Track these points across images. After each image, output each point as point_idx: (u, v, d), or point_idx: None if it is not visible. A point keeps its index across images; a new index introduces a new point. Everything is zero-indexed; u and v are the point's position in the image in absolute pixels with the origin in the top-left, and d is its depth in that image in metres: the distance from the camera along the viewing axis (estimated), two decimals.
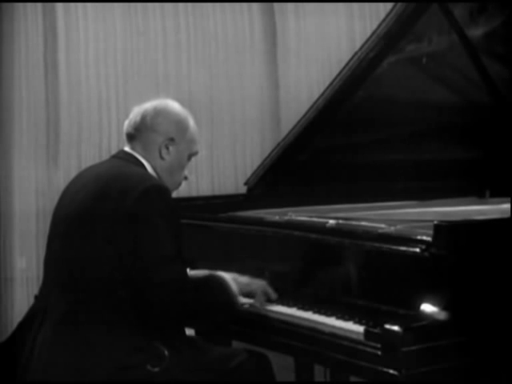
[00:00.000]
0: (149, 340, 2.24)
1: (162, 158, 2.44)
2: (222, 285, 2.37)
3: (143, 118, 2.44)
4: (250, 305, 2.48)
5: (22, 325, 2.44)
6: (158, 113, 2.45)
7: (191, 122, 2.51)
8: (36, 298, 2.52)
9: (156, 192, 2.28)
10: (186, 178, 2.53)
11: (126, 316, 2.23)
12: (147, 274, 2.21)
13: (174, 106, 2.50)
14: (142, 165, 2.42)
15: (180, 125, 2.48)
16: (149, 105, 2.47)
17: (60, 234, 2.36)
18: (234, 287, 2.37)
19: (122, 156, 2.45)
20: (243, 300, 2.46)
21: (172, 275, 2.23)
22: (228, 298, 2.37)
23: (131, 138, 2.46)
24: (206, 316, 2.39)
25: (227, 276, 2.39)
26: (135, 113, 2.47)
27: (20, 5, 3.76)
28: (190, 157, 2.52)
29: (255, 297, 2.49)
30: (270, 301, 2.49)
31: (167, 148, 2.44)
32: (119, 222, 2.23)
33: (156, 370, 2.21)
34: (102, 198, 2.28)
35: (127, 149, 2.46)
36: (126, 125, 2.48)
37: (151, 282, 2.21)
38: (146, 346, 2.23)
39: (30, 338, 2.33)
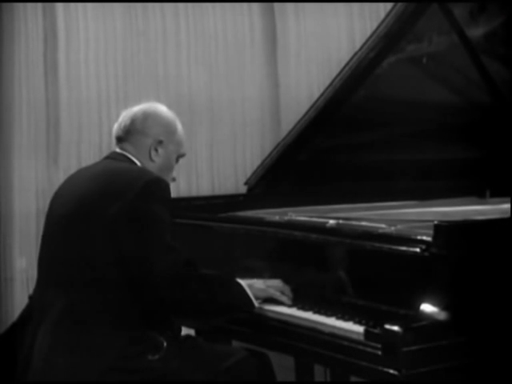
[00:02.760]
0: (145, 330, 2.27)
1: (151, 159, 2.50)
2: (239, 288, 2.39)
3: (133, 121, 2.50)
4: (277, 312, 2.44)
5: (16, 325, 2.45)
6: (148, 116, 2.51)
7: (179, 125, 2.58)
8: (30, 298, 2.53)
9: (157, 185, 2.34)
10: (173, 179, 2.59)
11: (123, 309, 2.26)
12: (152, 264, 2.24)
13: (163, 109, 2.57)
14: (135, 164, 2.48)
15: (169, 127, 2.54)
16: (138, 108, 2.54)
17: (56, 234, 2.38)
18: (250, 293, 2.40)
19: (115, 156, 2.50)
20: (267, 307, 2.45)
21: (171, 264, 2.26)
22: (245, 303, 2.39)
23: (121, 140, 2.52)
24: (217, 309, 2.40)
25: (243, 282, 2.41)
26: (124, 116, 2.53)
27: (20, 5, 3.76)
28: (177, 159, 2.59)
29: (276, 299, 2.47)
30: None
31: (156, 150, 2.50)
32: (121, 218, 2.26)
33: (156, 357, 2.24)
34: (101, 196, 2.32)
35: (119, 150, 2.51)
36: (116, 128, 2.54)
37: (150, 272, 2.24)
38: (143, 337, 2.26)
39: (28, 338, 2.34)
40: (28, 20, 3.78)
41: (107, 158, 2.53)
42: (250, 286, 2.41)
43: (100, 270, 2.25)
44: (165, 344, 2.28)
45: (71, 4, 3.80)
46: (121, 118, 2.54)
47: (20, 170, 3.76)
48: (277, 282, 2.50)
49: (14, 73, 3.76)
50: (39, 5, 3.78)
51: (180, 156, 2.59)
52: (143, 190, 2.29)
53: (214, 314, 2.45)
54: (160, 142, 2.50)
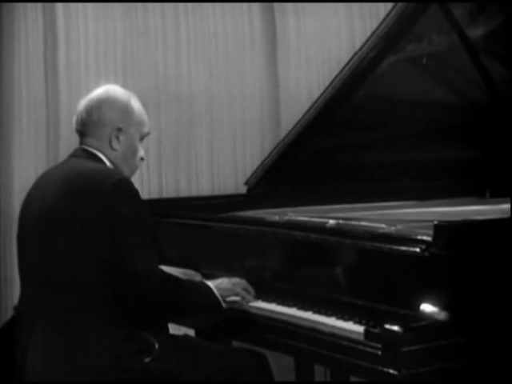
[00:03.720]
0: (136, 331, 2.29)
1: (112, 148, 2.47)
2: (207, 289, 2.44)
3: (88, 113, 2.47)
4: (234, 302, 2.52)
5: (6, 330, 2.47)
6: (101, 105, 2.47)
7: (135, 105, 2.52)
8: (15, 308, 2.54)
9: (122, 186, 2.34)
10: (142, 158, 2.57)
11: (111, 309, 2.27)
12: (124, 264, 2.26)
13: (116, 92, 2.52)
14: (100, 159, 2.46)
15: (124, 111, 2.49)
16: (91, 97, 2.50)
17: (31, 236, 2.40)
18: (217, 294, 2.44)
19: (79, 154, 2.48)
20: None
21: (146, 264, 2.29)
22: (213, 303, 2.43)
23: (82, 134, 2.50)
24: (189, 310, 2.47)
25: (210, 283, 2.46)
26: (80, 108, 2.50)
27: (20, 5, 3.76)
28: (141, 139, 2.55)
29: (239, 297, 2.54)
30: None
31: (117, 138, 2.47)
32: (90, 220, 2.27)
33: (147, 359, 2.25)
34: (70, 197, 2.32)
35: (82, 146, 2.49)
36: (74, 122, 2.52)
37: (127, 272, 2.26)
38: (135, 338, 2.28)
39: (20, 344, 2.34)
40: (28, 20, 3.78)
41: (73, 155, 2.50)
42: (217, 286, 2.46)
43: (79, 270, 2.27)
44: (156, 345, 2.29)
45: (71, 4, 3.80)
46: (77, 109, 2.51)
47: (20, 170, 3.75)
48: (241, 281, 2.55)
49: (13, 73, 3.76)
50: (39, 5, 3.78)
51: (144, 136, 2.55)
52: (109, 192, 2.29)
53: (185, 314, 2.53)
54: (119, 130, 2.46)
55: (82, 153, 2.47)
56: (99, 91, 2.51)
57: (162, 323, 2.46)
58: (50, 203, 2.35)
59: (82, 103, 2.50)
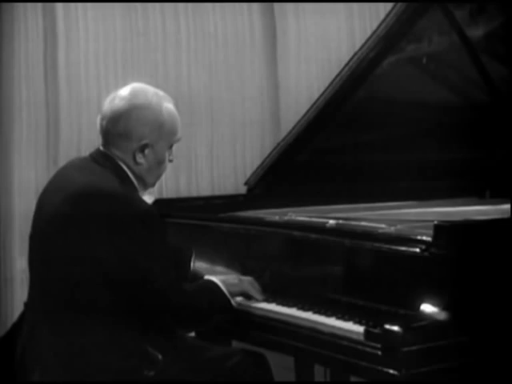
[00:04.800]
0: (140, 344, 2.24)
1: (137, 163, 2.33)
2: (217, 289, 2.40)
3: (114, 122, 2.30)
4: (241, 303, 2.49)
5: (16, 326, 2.45)
6: (129, 115, 2.30)
7: (167, 114, 2.35)
8: (26, 305, 2.51)
9: (142, 218, 2.22)
10: (171, 160, 2.43)
11: (115, 321, 2.22)
12: (146, 273, 2.21)
13: (146, 100, 2.32)
14: (121, 168, 2.33)
15: (154, 124, 2.32)
16: (119, 103, 2.31)
17: (46, 234, 2.30)
18: (226, 291, 2.40)
19: (102, 161, 2.33)
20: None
21: (170, 283, 2.25)
22: (223, 301, 2.40)
23: (105, 139, 2.35)
24: (206, 318, 2.41)
25: (217, 280, 2.42)
26: (107, 112, 2.33)
27: (20, 5, 3.76)
28: (171, 147, 2.42)
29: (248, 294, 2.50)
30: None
31: (142, 152, 2.33)
32: (104, 239, 2.19)
33: (151, 374, 2.22)
34: (75, 206, 2.23)
35: (106, 151, 2.35)
36: (98, 124, 2.36)
37: (153, 292, 2.22)
38: (138, 351, 2.23)
39: (20, 344, 2.34)
40: (28, 20, 3.77)
41: (93, 158, 2.36)
42: (224, 282, 2.41)
43: (88, 282, 2.20)
44: (160, 357, 2.24)
45: (71, 4, 3.80)
46: (103, 111, 2.34)
47: (20, 170, 3.75)
48: (247, 278, 2.52)
49: (13, 73, 3.76)
50: (39, 5, 3.78)
51: (174, 143, 2.41)
52: (129, 223, 2.19)
53: (206, 319, 2.43)
54: (145, 145, 2.32)
55: (105, 161, 2.32)
56: (127, 95, 2.32)
57: (173, 335, 2.39)
58: (56, 206, 2.26)
59: (109, 107, 2.33)
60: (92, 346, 2.20)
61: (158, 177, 2.44)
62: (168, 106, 2.37)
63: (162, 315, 2.26)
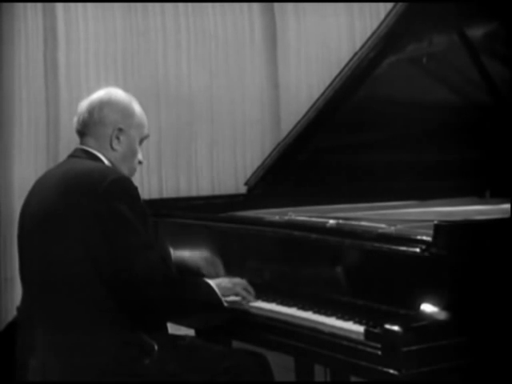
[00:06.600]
0: (135, 333, 2.28)
1: (113, 148, 2.49)
2: (208, 287, 2.43)
3: (90, 113, 2.49)
4: (233, 302, 2.51)
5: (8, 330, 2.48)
6: (103, 105, 2.49)
7: (136, 107, 2.55)
8: (18, 309, 2.55)
9: (119, 184, 2.34)
10: (140, 162, 2.58)
11: (109, 312, 2.26)
12: (123, 264, 2.26)
13: (117, 94, 2.54)
14: (99, 159, 2.47)
15: (126, 112, 2.51)
16: (93, 98, 2.52)
17: (31, 237, 2.41)
18: (217, 290, 2.43)
19: (78, 154, 2.49)
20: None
21: (148, 263, 2.28)
22: (215, 301, 2.42)
23: (82, 134, 2.51)
24: (192, 311, 2.45)
25: (210, 281, 2.45)
26: (82, 109, 2.52)
27: (20, 5, 3.76)
28: (141, 141, 2.57)
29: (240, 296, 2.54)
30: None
31: (118, 138, 2.49)
32: (88, 220, 2.27)
33: (147, 362, 2.25)
34: (68, 197, 2.32)
35: (82, 146, 2.51)
36: (75, 122, 2.53)
37: (129, 272, 2.26)
38: (134, 340, 2.27)
39: (20, 344, 2.35)
40: (28, 20, 3.78)
41: (72, 156, 2.52)
42: (218, 285, 2.45)
43: (75, 271, 2.26)
44: (156, 347, 2.28)
45: (71, 4, 3.80)
46: (79, 110, 2.52)
47: (20, 169, 3.75)
48: (241, 281, 2.54)
49: (14, 73, 3.76)
50: (39, 5, 3.78)
51: (143, 138, 2.57)
52: (106, 190, 2.30)
53: (187, 314, 2.49)
54: (120, 130, 2.48)
55: (81, 153, 2.48)
56: (101, 93, 2.53)
57: (161, 324, 2.45)
58: (48, 203, 2.35)
59: (83, 104, 2.52)
60: (86, 337, 2.24)
61: (131, 170, 2.54)
62: (136, 102, 2.57)
63: (145, 292, 2.28)
